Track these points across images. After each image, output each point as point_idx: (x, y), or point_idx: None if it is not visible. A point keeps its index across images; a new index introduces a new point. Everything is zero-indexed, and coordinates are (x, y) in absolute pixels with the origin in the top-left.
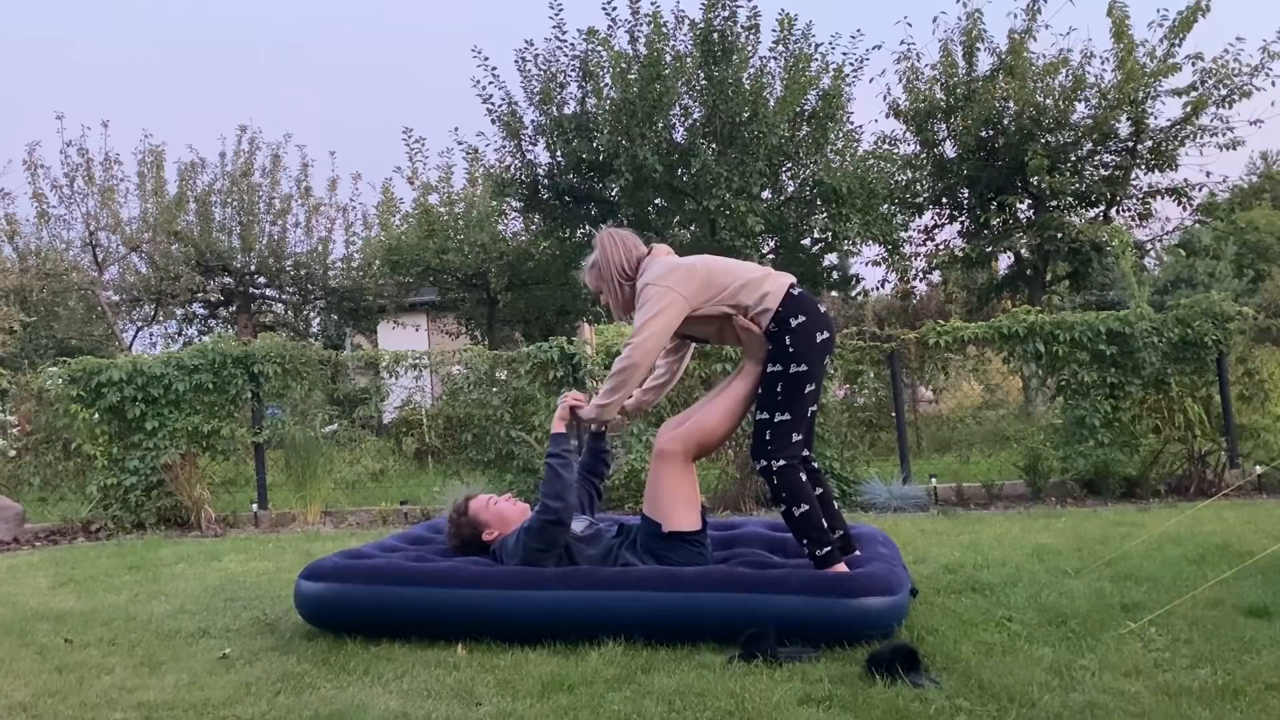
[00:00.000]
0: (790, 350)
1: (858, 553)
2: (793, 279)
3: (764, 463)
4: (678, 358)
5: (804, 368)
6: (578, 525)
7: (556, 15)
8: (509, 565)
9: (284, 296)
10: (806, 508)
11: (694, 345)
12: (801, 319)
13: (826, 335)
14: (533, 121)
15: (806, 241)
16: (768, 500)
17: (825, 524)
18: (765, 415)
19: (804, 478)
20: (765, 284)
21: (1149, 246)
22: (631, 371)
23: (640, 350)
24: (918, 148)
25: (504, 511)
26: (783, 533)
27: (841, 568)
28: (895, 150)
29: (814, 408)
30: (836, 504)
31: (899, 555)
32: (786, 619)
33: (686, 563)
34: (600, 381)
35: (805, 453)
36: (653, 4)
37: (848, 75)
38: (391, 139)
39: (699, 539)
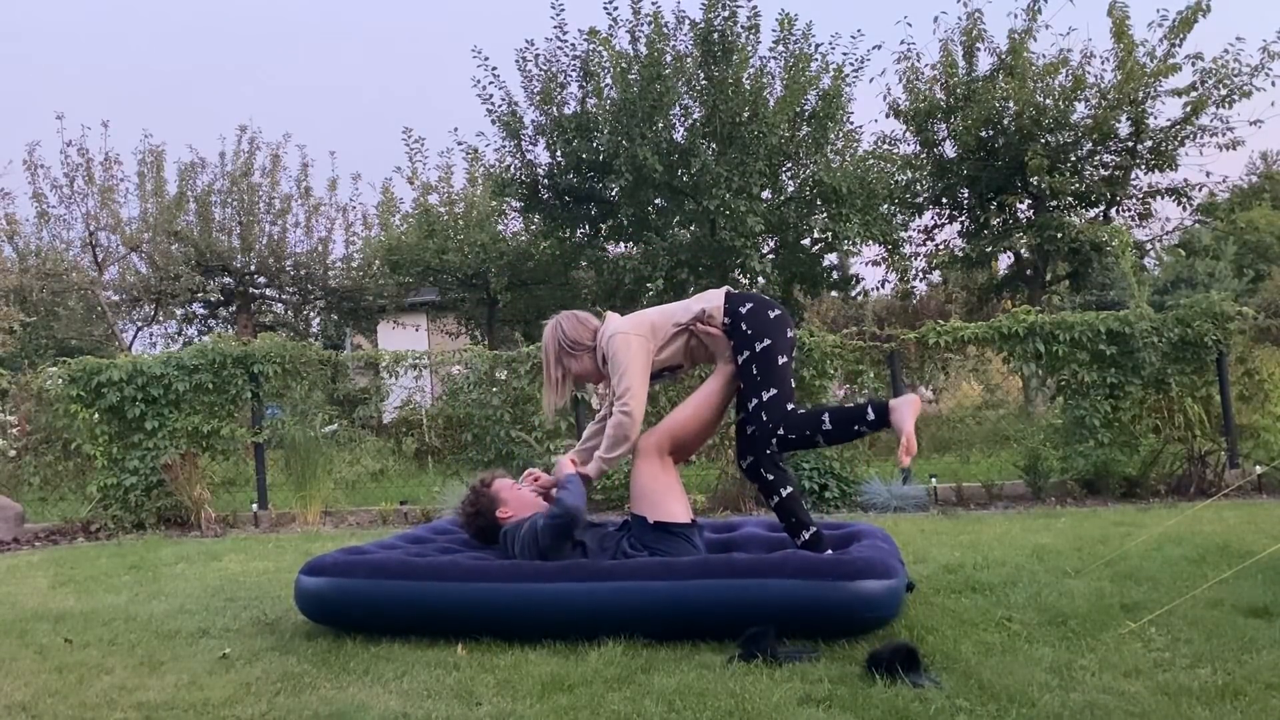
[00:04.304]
0: (749, 333)
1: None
2: (727, 287)
3: (773, 441)
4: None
5: (768, 342)
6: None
7: (558, 15)
8: (518, 554)
9: (284, 296)
10: (790, 490)
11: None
12: (749, 305)
13: (778, 312)
14: (533, 121)
15: (806, 241)
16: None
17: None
18: (755, 400)
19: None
20: (702, 300)
21: (1149, 246)
22: (632, 425)
23: (634, 403)
24: (918, 148)
25: (524, 496)
26: (780, 533)
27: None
28: (895, 150)
29: (792, 381)
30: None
31: (898, 552)
32: (783, 603)
33: (679, 555)
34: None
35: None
36: (653, 4)
37: (848, 75)
38: (391, 138)
39: (687, 532)
